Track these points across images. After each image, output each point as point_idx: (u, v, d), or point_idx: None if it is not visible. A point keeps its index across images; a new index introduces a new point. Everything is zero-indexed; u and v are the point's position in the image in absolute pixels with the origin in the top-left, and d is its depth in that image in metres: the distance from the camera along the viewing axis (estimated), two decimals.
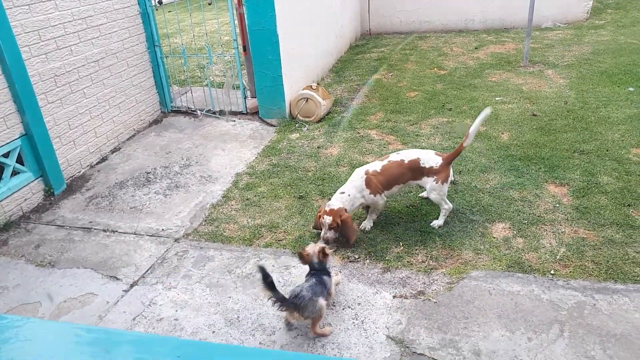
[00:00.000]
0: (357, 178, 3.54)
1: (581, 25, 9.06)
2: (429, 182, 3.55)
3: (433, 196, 3.57)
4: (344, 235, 3.46)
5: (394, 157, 3.62)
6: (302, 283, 2.79)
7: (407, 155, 3.61)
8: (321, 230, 3.47)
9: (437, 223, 3.65)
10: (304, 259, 2.89)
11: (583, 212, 3.66)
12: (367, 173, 3.54)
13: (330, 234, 3.42)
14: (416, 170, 3.56)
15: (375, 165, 3.58)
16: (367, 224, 3.71)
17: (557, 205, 3.77)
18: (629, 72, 6.37)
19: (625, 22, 8.98)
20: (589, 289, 2.94)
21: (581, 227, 3.50)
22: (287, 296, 2.65)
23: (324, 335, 2.75)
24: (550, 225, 3.56)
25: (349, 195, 3.50)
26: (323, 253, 2.85)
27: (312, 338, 2.75)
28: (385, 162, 3.60)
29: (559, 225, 3.54)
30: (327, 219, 3.38)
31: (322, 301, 2.68)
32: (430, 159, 3.55)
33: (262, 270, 2.58)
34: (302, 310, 2.61)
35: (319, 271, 2.85)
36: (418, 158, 3.55)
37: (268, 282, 2.58)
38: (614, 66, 6.65)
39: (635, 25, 8.69)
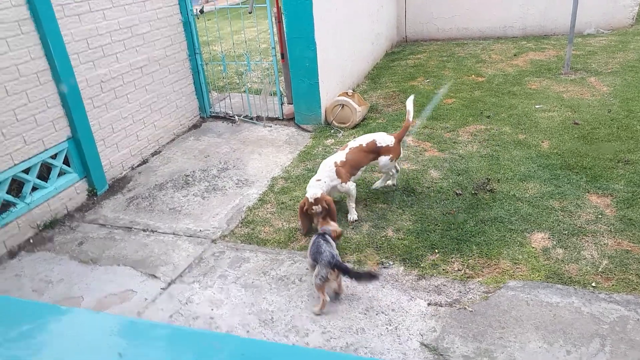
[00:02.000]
0: (328, 169, 3.76)
1: (626, 31, 8.78)
2: (383, 159, 3.97)
3: (385, 170, 4.08)
4: (331, 218, 3.60)
5: (353, 144, 3.95)
6: (320, 247, 3.07)
7: (364, 139, 3.97)
8: (309, 221, 3.69)
9: (378, 184, 4.24)
10: (322, 224, 3.40)
11: (627, 223, 3.54)
12: (335, 164, 3.77)
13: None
14: (374, 151, 3.95)
15: (340, 156, 3.85)
16: (352, 216, 3.91)
17: (600, 216, 3.66)
18: None
19: None
20: (633, 303, 2.84)
21: (625, 239, 3.38)
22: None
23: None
24: (592, 236, 3.45)
25: (325, 182, 3.70)
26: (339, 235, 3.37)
27: (345, 342, 2.76)
28: (347, 150, 3.89)
29: (601, 237, 3.44)
30: (318, 208, 3.52)
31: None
32: (385, 139, 3.97)
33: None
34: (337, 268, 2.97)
35: (324, 235, 3.23)
36: (374, 139, 3.95)
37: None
38: None
39: None
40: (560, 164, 4.43)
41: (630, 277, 3.04)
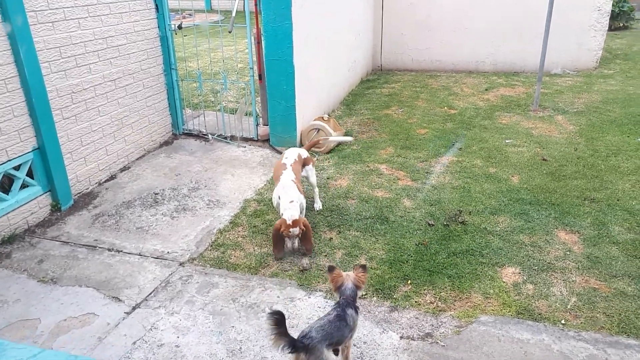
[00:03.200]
0: (292, 187, 3.83)
1: (590, 73, 9.18)
2: (310, 167, 4.33)
3: (313, 179, 4.36)
4: (306, 240, 3.69)
5: (288, 161, 4.12)
6: (315, 321, 2.50)
7: (294, 154, 4.22)
8: (280, 245, 3.69)
9: (318, 206, 4.44)
10: (335, 281, 2.58)
11: (594, 261, 3.61)
12: (294, 181, 3.89)
13: (296, 243, 3.65)
14: (302, 162, 4.26)
15: (290, 174, 3.96)
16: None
17: (568, 252, 3.73)
18: (638, 122, 6.41)
19: (634, 73, 9.10)
20: (601, 342, 2.87)
21: (592, 277, 3.45)
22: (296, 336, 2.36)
23: None
24: (561, 273, 3.51)
25: (296, 202, 3.73)
26: (363, 269, 2.62)
27: None
28: (289, 168, 4.03)
29: (569, 274, 3.50)
30: (296, 230, 3.56)
31: (327, 355, 2.36)
32: (303, 151, 4.36)
33: (276, 315, 2.26)
34: (308, 353, 2.29)
35: (346, 303, 2.52)
36: (299, 153, 4.28)
37: (280, 327, 2.26)
38: (624, 116, 6.70)
39: None
40: (529, 199, 4.53)
41: (597, 315, 3.09)
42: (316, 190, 4.45)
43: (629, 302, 3.18)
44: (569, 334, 2.94)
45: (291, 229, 3.54)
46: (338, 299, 2.58)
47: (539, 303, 3.21)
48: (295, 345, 2.27)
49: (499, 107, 7.35)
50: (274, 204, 3.95)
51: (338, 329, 2.41)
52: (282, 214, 3.67)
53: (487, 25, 9.36)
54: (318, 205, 4.43)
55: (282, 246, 3.69)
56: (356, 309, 2.54)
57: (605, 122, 6.51)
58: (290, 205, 3.67)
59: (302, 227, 3.59)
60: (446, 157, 5.53)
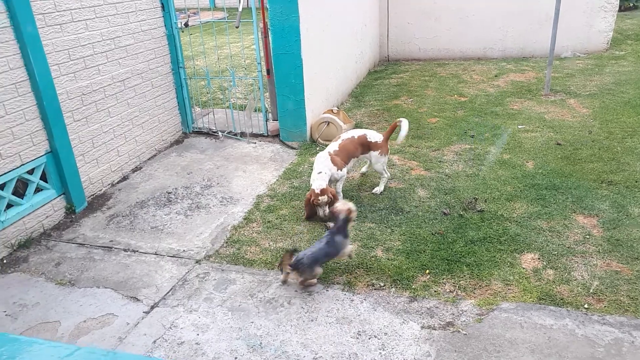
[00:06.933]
0: (324, 159, 4.11)
1: (601, 55, 9.03)
2: (374, 153, 4.39)
3: (376, 166, 4.45)
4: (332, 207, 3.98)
5: (342, 135, 4.38)
6: (309, 248, 3.31)
7: (351, 133, 4.40)
8: (314, 214, 4.06)
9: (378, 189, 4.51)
10: (333, 211, 3.42)
11: (615, 244, 3.55)
12: (329, 154, 4.13)
13: (327, 210, 3.96)
14: (364, 145, 4.36)
15: (333, 146, 4.23)
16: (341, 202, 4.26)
17: (587, 236, 3.67)
18: None
19: None
20: (626, 325, 2.82)
21: (614, 260, 3.39)
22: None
23: (310, 285, 3.31)
24: (581, 257, 3.45)
25: (326, 173, 4.04)
26: (350, 211, 3.38)
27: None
28: (339, 141, 4.28)
29: (590, 258, 3.44)
30: (324, 198, 3.91)
31: (318, 269, 3.24)
32: (372, 134, 4.40)
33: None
34: (300, 274, 3.22)
35: (336, 231, 3.33)
36: (365, 134, 4.37)
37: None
38: (638, 97, 6.58)
39: None
40: (545, 184, 4.46)
41: (621, 298, 3.04)
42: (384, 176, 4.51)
43: None
44: (593, 318, 2.89)
45: (320, 197, 3.90)
46: (332, 226, 3.43)
47: (561, 288, 3.16)
48: (291, 265, 3.21)
49: (509, 93, 7.26)
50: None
51: (326, 255, 3.29)
52: (311, 185, 4.03)
53: (494, 10, 9.24)
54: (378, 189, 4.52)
55: (313, 212, 4.06)
56: (345, 235, 3.37)
57: (619, 104, 6.40)
58: (318, 176, 4.01)
59: (330, 195, 3.92)
60: (458, 145, 5.47)
